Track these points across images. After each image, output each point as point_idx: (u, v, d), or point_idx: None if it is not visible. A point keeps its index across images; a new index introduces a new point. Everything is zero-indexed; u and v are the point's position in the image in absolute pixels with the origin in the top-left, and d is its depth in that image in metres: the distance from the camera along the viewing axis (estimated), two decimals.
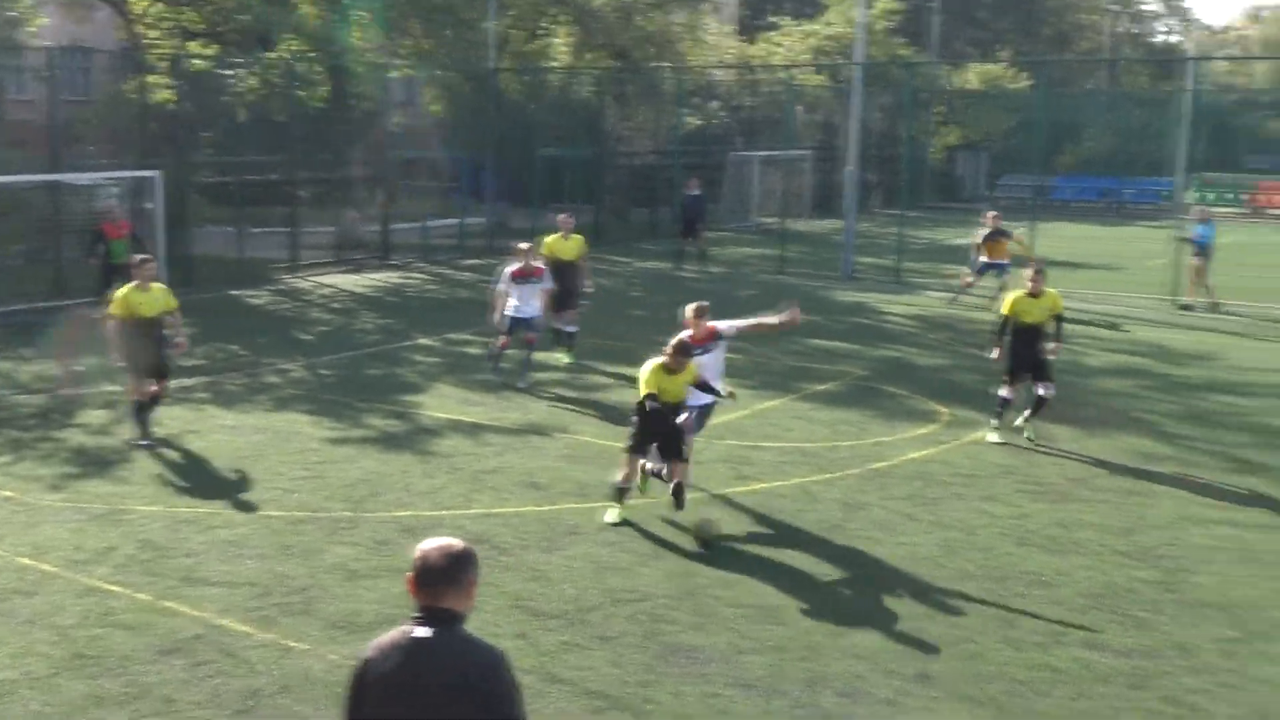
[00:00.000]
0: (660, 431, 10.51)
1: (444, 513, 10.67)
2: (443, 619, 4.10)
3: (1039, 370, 13.34)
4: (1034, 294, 13.36)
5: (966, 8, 60.86)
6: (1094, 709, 7.36)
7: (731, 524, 10.52)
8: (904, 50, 48.33)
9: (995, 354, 13.65)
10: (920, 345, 19.86)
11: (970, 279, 23.54)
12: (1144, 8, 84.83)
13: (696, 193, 28.78)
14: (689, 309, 11.34)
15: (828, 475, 12.07)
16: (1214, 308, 23.26)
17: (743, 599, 8.90)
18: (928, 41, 54.76)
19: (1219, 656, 8.13)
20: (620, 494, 10.57)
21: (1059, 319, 13.57)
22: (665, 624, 8.44)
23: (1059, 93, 55.26)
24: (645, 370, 10.49)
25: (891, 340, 20.20)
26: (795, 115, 45.34)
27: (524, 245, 16.44)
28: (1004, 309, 13.54)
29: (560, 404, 14.95)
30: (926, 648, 8.15)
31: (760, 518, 10.76)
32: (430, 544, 4.21)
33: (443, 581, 4.12)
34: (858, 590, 9.22)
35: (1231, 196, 49.39)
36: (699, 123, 40.31)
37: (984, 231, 23.32)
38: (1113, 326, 21.65)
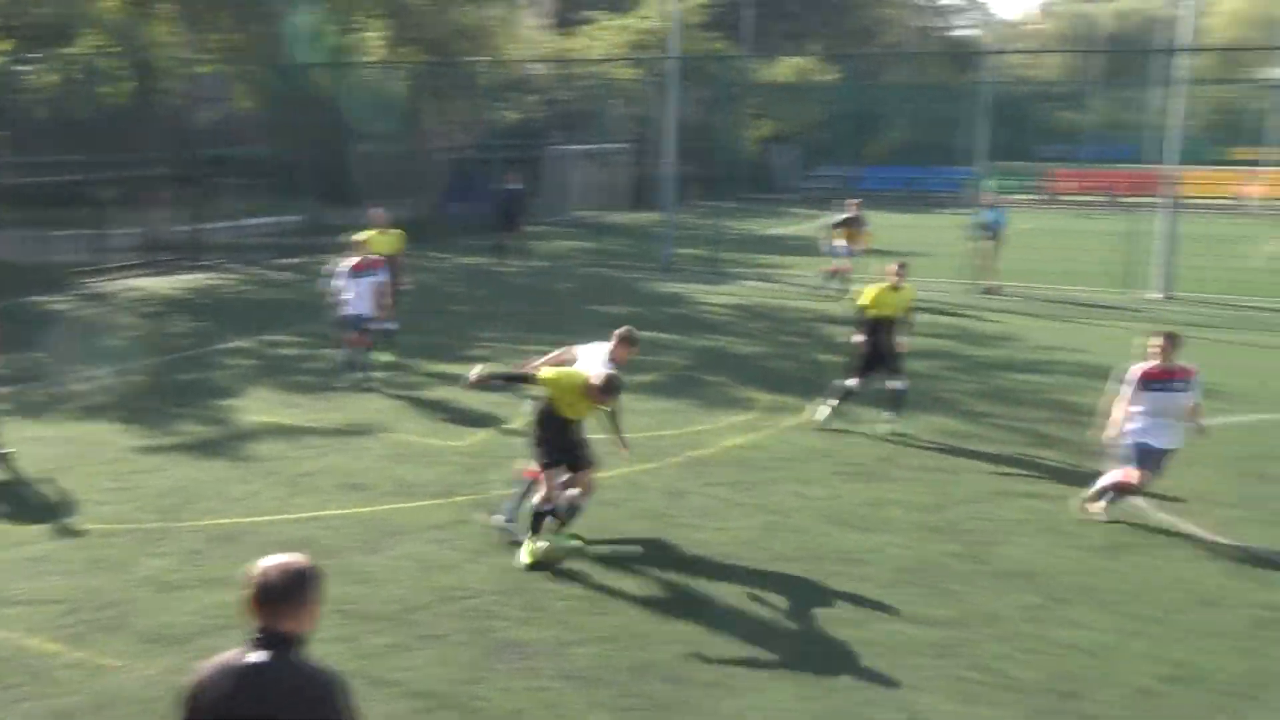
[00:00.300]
0: (570, 439, 9.69)
1: (261, 519, 10.41)
2: (280, 642, 3.92)
3: (892, 363, 13.56)
4: (896, 287, 13.61)
5: (777, 2, 62.01)
6: (906, 679, 7.62)
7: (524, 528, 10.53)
8: (717, 44, 48.98)
9: (859, 339, 13.71)
10: (738, 334, 20.21)
11: (844, 264, 23.83)
12: (944, 2, 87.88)
13: (515, 186, 28.71)
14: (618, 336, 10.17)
15: (651, 465, 12.19)
16: (997, 290, 24.28)
17: (571, 591, 8.93)
18: (740, 35, 55.59)
19: (1023, 623, 8.50)
20: (538, 521, 9.52)
21: (912, 311, 13.94)
22: (494, 620, 8.42)
23: (865, 85, 56.88)
24: (567, 380, 9.53)
25: (711, 330, 20.50)
26: (612, 109, 45.60)
27: (361, 236, 16.22)
28: (865, 300, 13.66)
29: (381, 403, 14.74)
30: (750, 629, 8.31)
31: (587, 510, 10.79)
32: (270, 561, 4.02)
33: (282, 602, 3.94)
34: (683, 577, 9.34)
35: (1028, 184, 51.53)
36: (517, 117, 40.18)
37: (843, 216, 23.82)
38: (944, 313, 22.37)
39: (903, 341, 13.79)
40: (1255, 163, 54.75)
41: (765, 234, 37.24)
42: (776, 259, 30.53)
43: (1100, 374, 16.88)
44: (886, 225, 37.93)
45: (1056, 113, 69.12)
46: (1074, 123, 65.54)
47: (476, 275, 26.89)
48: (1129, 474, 10.38)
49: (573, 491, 9.64)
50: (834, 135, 49.20)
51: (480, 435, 13.24)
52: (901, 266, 13.69)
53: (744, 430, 13.59)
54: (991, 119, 52.75)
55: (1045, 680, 7.65)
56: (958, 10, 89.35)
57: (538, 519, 9.49)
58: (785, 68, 54.58)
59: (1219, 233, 36.04)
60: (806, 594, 8.95)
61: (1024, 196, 49.10)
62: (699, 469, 12.09)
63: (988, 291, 24.38)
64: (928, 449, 12.94)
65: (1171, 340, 10.40)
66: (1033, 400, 15.36)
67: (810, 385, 15.83)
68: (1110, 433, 10.52)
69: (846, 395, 13.68)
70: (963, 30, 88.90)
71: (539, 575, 9.20)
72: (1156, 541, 10.25)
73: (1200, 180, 46.17)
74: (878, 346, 13.51)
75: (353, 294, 15.41)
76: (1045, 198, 50.03)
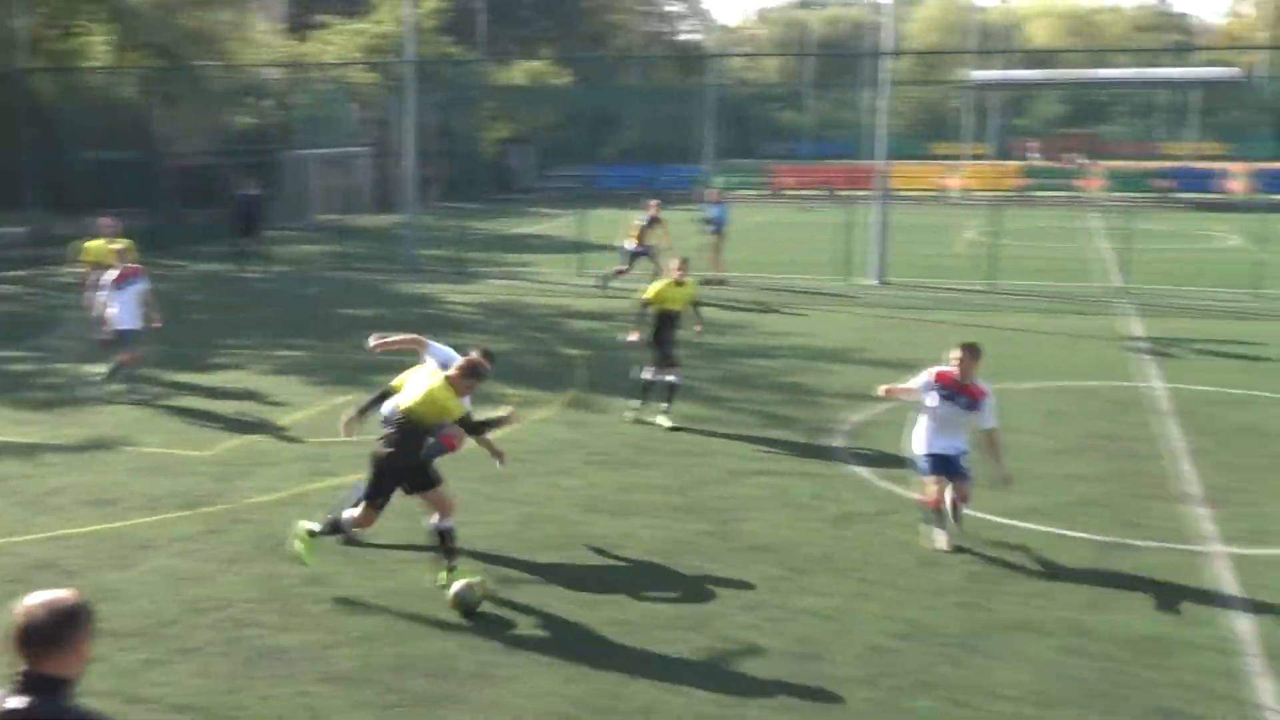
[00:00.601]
0: (407, 466, 8.77)
1: (1, 541, 9.75)
2: (45, 686, 3.51)
3: (671, 357, 13.67)
4: (679, 282, 13.77)
5: (509, 7, 61.94)
6: (662, 654, 7.77)
7: (314, 521, 10.25)
8: (452, 49, 48.61)
9: (634, 336, 13.79)
10: (487, 332, 20.12)
11: (624, 268, 23.84)
12: (669, 8, 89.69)
13: (253, 192, 27.75)
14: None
15: None
16: (724, 281, 24.93)
17: (329, 594, 8.71)
18: (475, 40, 55.33)
19: (767, 593, 8.79)
20: (336, 531, 8.94)
21: (697, 304, 14.14)
22: (251, 628, 8.13)
23: (598, 88, 57.55)
24: (425, 384, 8.69)
25: (459, 329, 20.32)
26: (350, 113, 44.63)
27: (118, 245, 15.37)
28: (649, 295, 13.71)
29: (124, 415, 14.01)
30: (510, 619, 8.30)
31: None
32: (35, 599, 3.58)
33: (46, 643, 3.51)
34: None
35: (753, 180, 53.25)
36: (252, 122, 38.83)
37: (646, 216, 23.82)
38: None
39: (696, 329, 14.16)
40: (955, 157, 58.22)
41: (508, 233, 37.20)
42: (520, 257, 30.56)
43: (825, 356, 17.69)
44: (623, 222, 38.53)
45: (777, 113, 71.74)
46: (793, 122, 68.13)
47: (217, 283, 25.88)
48: (927, 494, 9.73)
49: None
50: (570, 136, 49.59)
51: (228, 444, 12.76)
52: (684, 262, 13.93)
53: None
54: (717, 119, 54.27)
55: (788, 645, 7.93)
56: (681, 16, 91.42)
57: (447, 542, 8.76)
58: (520, 71, 54.68)
59: (925, 222, 38.16)
60: (564, 580, 9.00)
61: (750, 192, 50.75)
62: (454, 466, 11.95)
63: (714, 283, 24.92)
64: (674, 435, 13.21)
65: (971, 352, 9.77)
66: (766, 384, 15.88)
67: (557, 379, 15.93)
68: (895, 389, 10.10)
69: (647, 388, 13.75)
70: (687, 35, 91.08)
71: (296, 580, 8.93)
72: (884, 509, 10.76)
73: (907, 174, 48.81)
74: (664, 338, 13.64)
75: (118, 308, 14.60)
76: (770, 193, 51.74)
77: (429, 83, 40.52)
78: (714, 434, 13.26)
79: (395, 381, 9.06)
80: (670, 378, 13.65)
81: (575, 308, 22.29)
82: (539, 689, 7.34)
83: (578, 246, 28.46)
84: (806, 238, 33.67)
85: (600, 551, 9.63)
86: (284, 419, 13.88)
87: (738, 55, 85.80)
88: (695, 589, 8.87)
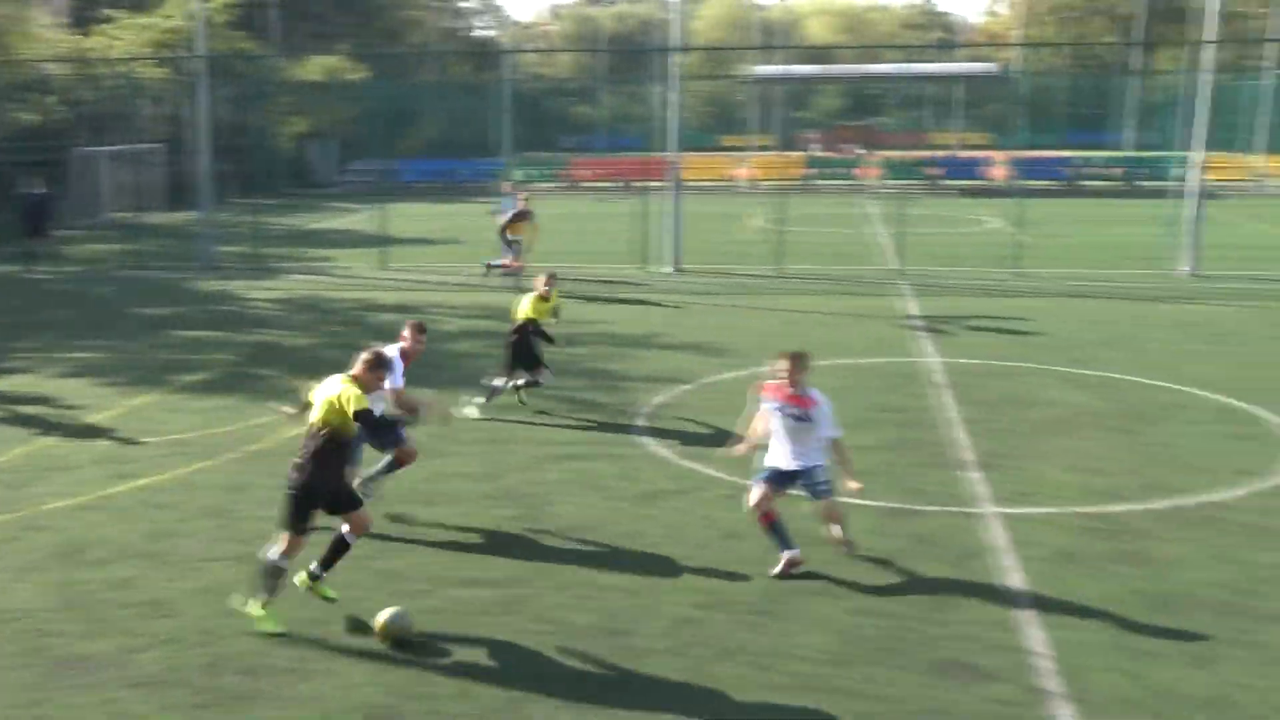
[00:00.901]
0: (324, 488, 7.89)
1: None
2: None
3: (535, 360, 13.67)
4: (544, 297, 13.87)
5: (302, 3, 60.22)
6: (474, 638, 7.71)
7: (115, 524, 9.81)
8: (245, 43, 46.97)
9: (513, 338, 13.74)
10: (288, 327, 19.57)
11: (515, 262, 23.31)
12: (463, 5, 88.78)
13: (40, 191, 26.27)
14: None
15: (208, 463, 11.60)
16: (515, 272, 24.76)
17: (132, 598, 8.33)
18: (268, 35, 53.59)
19: (577, 573, 8.82)
20: (274, 578, 7.86)
21: (556, 312, 14.22)
22: (51, 637, 7.72)
23: (395, 83, 56.52)
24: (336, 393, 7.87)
25: (259, 325, 19.72)
26: (140, 109, 42.68)
27: None
28: (528, 313, 13.68)
29: None
30: (320, 613, 8.09)
31: (144, 514, 10.12)
32: None
33: None
34: (249, 569, 8.94)
35: (551, 173, 53.24)
36: (36, 119, 36.72)
37: (514, 210, 23.33)
38: (483, 294, 22.56)
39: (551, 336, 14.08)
40: (743, 149, 59.44)
41: (308, 228, 36.23)
42: (321, 252, 29.81)
43: (626, 342, 17.83)
44: (424, 215, 38.04)
45: (572, 107, 71.92)
46: (588, 116, 68.42)
47: (4, 284, 24.43)
48: (750, 506, 8.95)
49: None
50: (369, 131, 48.56)
51: (20, 449, 12.07)
52: (551, 278, 14.05)
53: (300, 421, 13.17)
54: (514, 114, 54.02)
55: (599, 621, 7.98)
56: (476, 12, 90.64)
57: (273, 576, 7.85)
58: (315, 66, 53.26)
59: (716, 211, 38.85)
60: (376, 572, 8.84)
61: (548, 185, 50.73)
62: (259, 463, 11.62)
63: (509, 273, 24.71)
64: (482, 424, 13.10)
65: (795, 361, 8.90)
66: (570, 371, 15.88)
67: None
68: (747, 444, 9.31)
69: (494, 393, 13.68)
70: (482, 31, 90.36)
71: (98, 586, 8.52)
72: (686, 487, 10.92)
73: (698, 165, 49.59)
74: (521, 346, 13.66)
75: None
76: (567, 185, 51.82)
77: (222, 78, 39.11)
78: (520, 422, 13.22)
79: (306, 398, 8.26)
80: (540, 379, 13.71)
81: (379, 301, 21.87)
82: (353, 680, 7.19)
83: (380, 241, 27.92)
84: (604, 228, 33.86)
85: (412, 541, 9.48)
86: (80, 421, 13.21)
87: (532, 51, 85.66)
88: (507, 573, 8.83)
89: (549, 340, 13.93)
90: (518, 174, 43.59)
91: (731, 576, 8.74)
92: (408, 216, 33.62)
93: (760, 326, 19.17)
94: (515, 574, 8.80)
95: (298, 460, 7.88)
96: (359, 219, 36.68)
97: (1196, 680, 7.19)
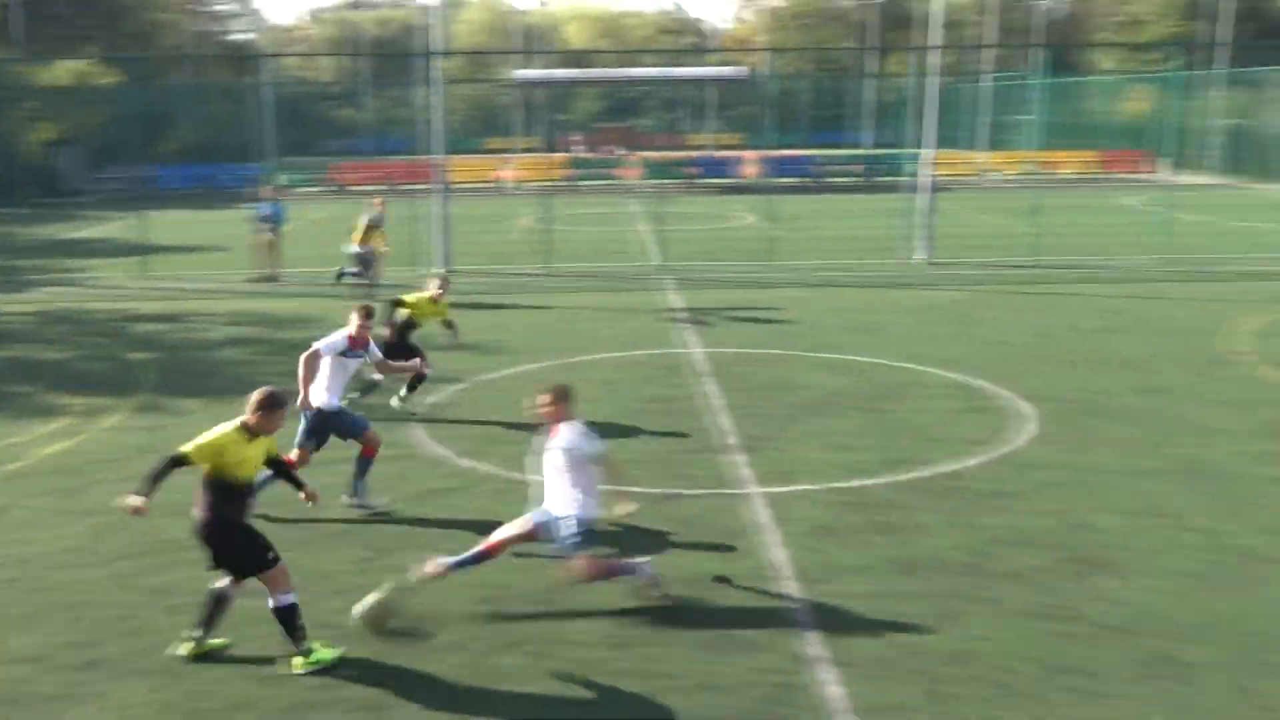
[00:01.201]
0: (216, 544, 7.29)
1: None
2: None
3: (417, 355, 13.22)
4: (435, 300, 13.68)
5: (45, 5, 56.60)
6: (252, 649, 7.45)
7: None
8: None
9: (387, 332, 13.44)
10: (41, 340, 18.41)
11: (358, 270, 22.24)
12: (219, 8, 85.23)
13: None
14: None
15: None
16: (276, 278, 24.08)
17: None
18: (10, 37, 50.17)
19: (355, 576, 8.63)
20: (217, 608, 7.44)
21: (449, 323, 14.10)
22: None
23: (149, 87, 53.86)
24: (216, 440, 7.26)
25: (11, 340, 18.47)
26: None
27: None
28: (407, 301, 13.49)
29: None
30: (93, 635, 7.67)
31: None
32: None
33: None
34: (17, 592, 8.39)
35: (315, 177, 51.76)
36: None
37: (370, 216, 22.23)
38: (240, 301, 21.70)
39: (454, 339, 14.36)
40: (508, 151, 59.33)
41: (61, 238, 34.13)
42: (76, 262, 28.12)
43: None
44: (184, 222, 36.34)
45: (335, 111, 70.18)
46: (353, 119, 66.90)
47: None
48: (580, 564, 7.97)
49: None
50: (121, 136, 46.04)
51: None
52: (444, 282, 13.95)
53: (60, 437, 12.44)
54: (275, 117, 52.29)
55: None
56: (232, 15, 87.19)
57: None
58: (63, 71, 50.17)
59: (484, 213, 38.63)
60: (146, 589, 8.43)
61: (312, 189, 49.34)
62: (15, 483, 10.90)
63: (264, 279, 23.94)
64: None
65: (554, 396, 8.08)
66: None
67: (122, 384, 14.87)
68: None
69: (372, 387, 13.57)
70: (239, 34, 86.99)
71: None
72: (463, 484, 10.85)
73: (464, 168, 49.21)
74: (403, 341, 13.39)
75: None
76: (334, 188, 50.50)
77: None
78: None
79: (185, 449, 7.28)
80: (425, 371, 13.21)
81: (140, 311, 20.81)
82: (128, 699, 6.85)
83: (140, 249, 26.53)
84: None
85: (183, 555, 9.08)
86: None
87: (293, 55, 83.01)
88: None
89: (450, 329, 14.08)
90: (281, 178, 42.18)
91: (511, 569, 8.71)
92: (168, 224, 32.05)
93: (534, 323, 19.19)
94: (295, 581, 8.53)
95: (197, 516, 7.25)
96: (116, 227, 34.78)
97: (943, 636, 7.62)
